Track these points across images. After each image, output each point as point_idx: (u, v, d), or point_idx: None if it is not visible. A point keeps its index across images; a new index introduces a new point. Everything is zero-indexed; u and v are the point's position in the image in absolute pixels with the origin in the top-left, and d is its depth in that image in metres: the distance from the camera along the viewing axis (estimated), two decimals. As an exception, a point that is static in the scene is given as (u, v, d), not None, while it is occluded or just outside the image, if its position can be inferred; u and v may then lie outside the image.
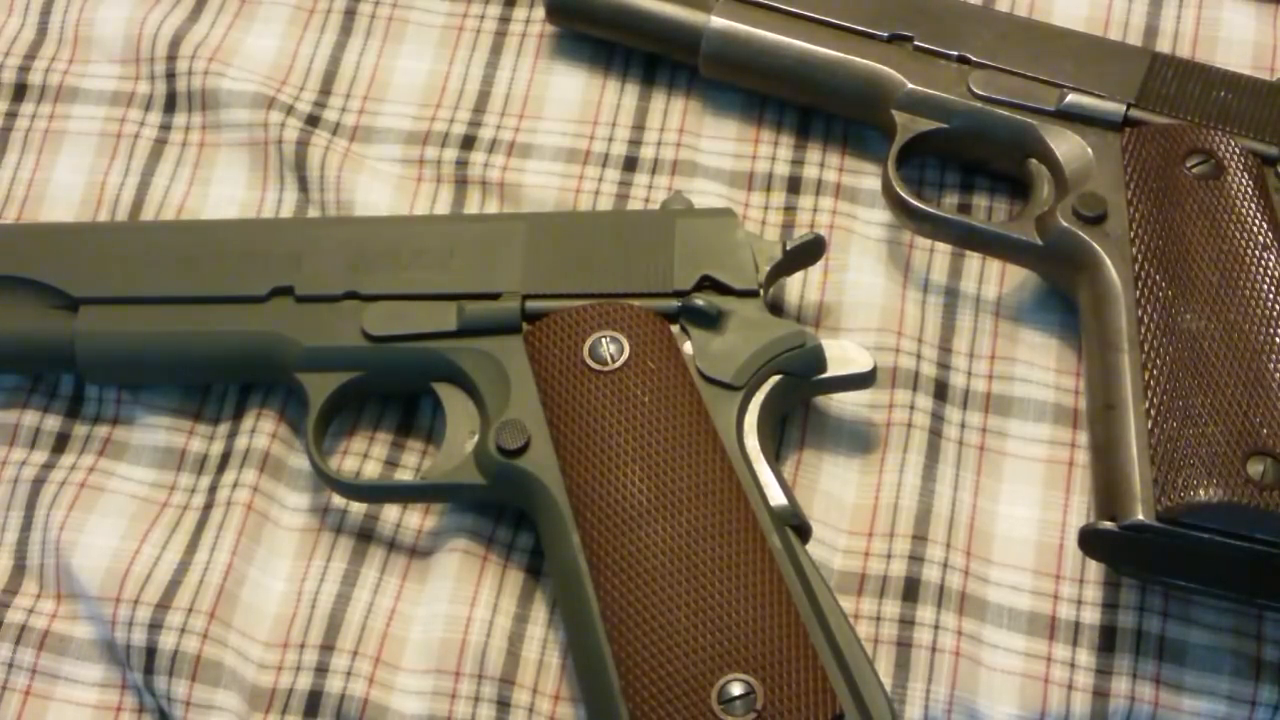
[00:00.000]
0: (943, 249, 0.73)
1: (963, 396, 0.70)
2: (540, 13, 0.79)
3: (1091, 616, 0.65)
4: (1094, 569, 0.66)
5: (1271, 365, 0.62)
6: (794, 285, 0.72)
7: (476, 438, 0.65)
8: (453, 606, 0.65)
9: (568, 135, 0.76)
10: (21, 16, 0.81)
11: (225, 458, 0.69)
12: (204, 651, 0.64)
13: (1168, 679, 0.63)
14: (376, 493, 0.67)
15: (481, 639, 0.64)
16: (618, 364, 0.64)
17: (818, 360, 0.65)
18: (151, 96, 0.78)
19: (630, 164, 0.75)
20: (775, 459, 0.66)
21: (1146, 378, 0.62)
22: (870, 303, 0.71)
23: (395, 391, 0.69)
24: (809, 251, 0.68)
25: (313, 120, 0.77)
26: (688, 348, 0.65)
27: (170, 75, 0.77)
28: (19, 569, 0.68)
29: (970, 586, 0.65)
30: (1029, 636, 0.65)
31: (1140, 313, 0.64)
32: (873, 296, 0.71)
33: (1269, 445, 0.59)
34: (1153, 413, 0.61)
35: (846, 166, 0.75)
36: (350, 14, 0.80)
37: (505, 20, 0.79)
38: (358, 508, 0.68)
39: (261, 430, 0.69)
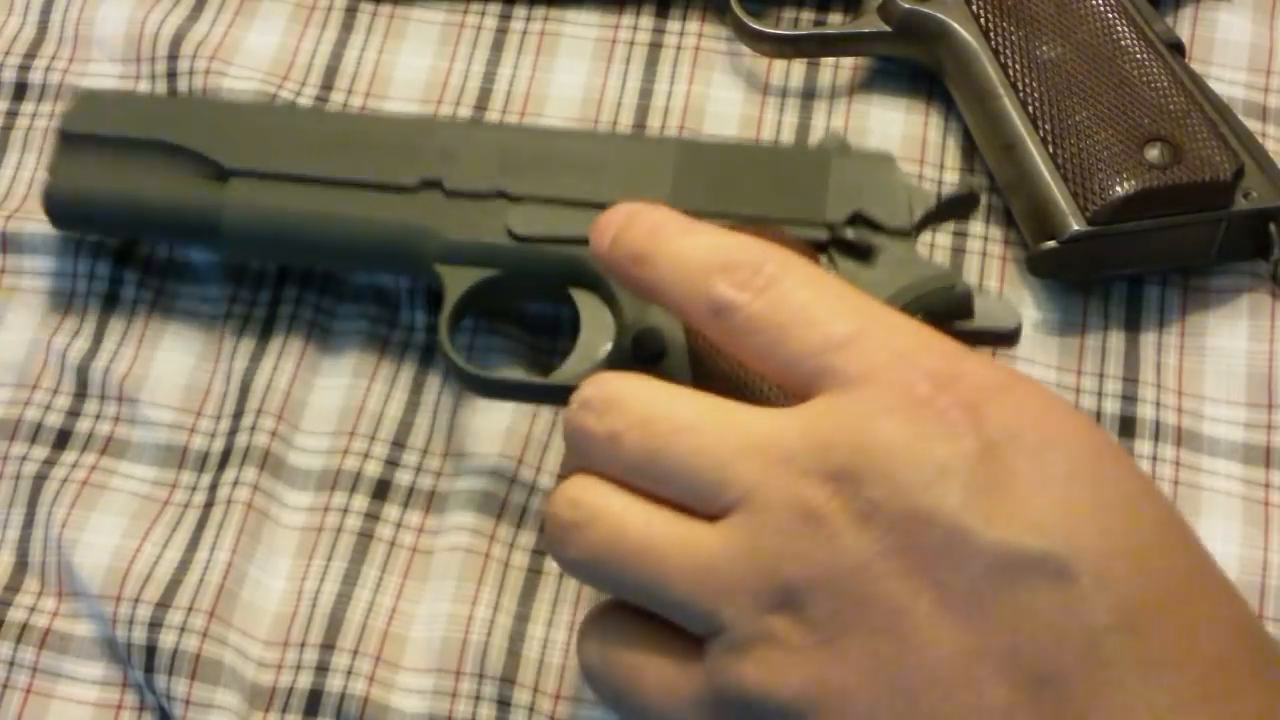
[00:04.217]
0: (942, 247, 0.72)
1: (963, 394, 0.69)
2: (541, 10, 0.79)
3: (1091, 615, 0.65)
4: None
5: (1125, 65, 0.68)
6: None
7: (610, 346, 0.64)
8: (454, 605, 0.65)
9: (569, 133, 0.76)
10: (22, 15, 0.81)
11: (226, 455, 0.69)
12: (204, 650, 0.64)
13: (1167, 678, 0.63)
14: (504, 387, 0.66)
15: (482, 638, 0.64)
16: None
17: (965, 305, 0.64)
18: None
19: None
20: None
21: (1030, 111, 0.69)
22: (870, 301, 0.71)
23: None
24: (963, 203, 0.68)
25: (315, 114, 0.77)
26: None
27: (171, 75, 0.77)
28: (21, 566, 0.68)
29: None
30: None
31: (1001, 59, 0.70)
32: (873, 295, 0.71)
33: (1154, 131, 0.67)
34: (1048, 139, 0.68)
35: (847, 164, 0.75)
36: (351, 11, 0.80)
37: (505, 18, 0.79)
38: (358, 505, 0.68)
39: (262, 428, 0.69)
